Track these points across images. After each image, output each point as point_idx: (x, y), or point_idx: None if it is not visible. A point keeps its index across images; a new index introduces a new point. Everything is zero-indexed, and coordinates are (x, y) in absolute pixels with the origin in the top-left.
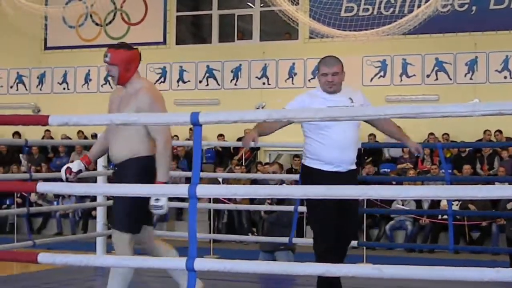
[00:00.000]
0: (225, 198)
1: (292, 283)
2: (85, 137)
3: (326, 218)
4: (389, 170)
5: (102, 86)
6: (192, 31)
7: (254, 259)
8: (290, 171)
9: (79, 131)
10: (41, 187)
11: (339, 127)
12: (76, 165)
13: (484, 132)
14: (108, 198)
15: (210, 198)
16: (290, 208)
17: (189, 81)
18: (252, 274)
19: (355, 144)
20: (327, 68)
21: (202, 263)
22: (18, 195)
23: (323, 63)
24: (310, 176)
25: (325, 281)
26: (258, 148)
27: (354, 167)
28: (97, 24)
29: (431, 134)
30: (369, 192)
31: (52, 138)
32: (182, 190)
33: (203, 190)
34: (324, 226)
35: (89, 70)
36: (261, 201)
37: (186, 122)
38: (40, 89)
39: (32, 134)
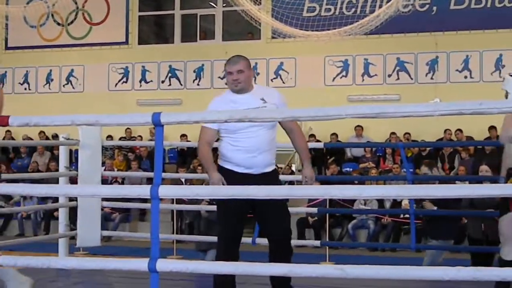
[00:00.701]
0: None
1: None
2: (47, 138)
3: (229, 221)
4: (351, 169)
5: (64, 86)
6: (155, 31)
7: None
8: None
9: (41, 132)
10: (3, 188)
11: (250, 131)
12: None
13: (445, 131)
14: (71, 199)
15: (173, 199)
16: None
17: (151, 81)
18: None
19: (269, 146)
20: (231, 65)
21: (164, 264)
22: None
23: (227, 62)
24: (223, 176)
25: (221, 282)
26: None
27: (269, 169)
28: (58, 24)
29: (393, 133)
30: (332, 192)
31: (13, 138)
32: (144, 191)
33: (165, 191)
34: (224, 228)
35: (50, 70)
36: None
37: (148, 122)
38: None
39: None
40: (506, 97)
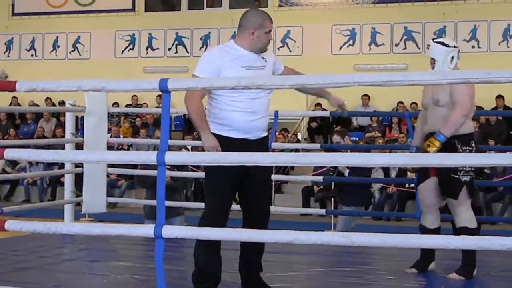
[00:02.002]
0: (193, 166)
1: None
2: (53, 104)
3: (224, 192)
4: (357, 138)
5: (70, 53)
6: None
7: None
8: None
9: (47, 98)
10: (9, 153)
11: (253, 91)
12: None
13: None
14: (76, 165)
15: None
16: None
17: (158, 48)
18: None
19: (267, 111)
20: (271, 24)
21: (170, 231)
22: None
23: (267, 19)
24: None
25: (204, 246)
26: None
27: (264, 134)
28: None
29: (401, 102)
30: (338, 160)
31: (19, 104)
32: (150, 157)
33: (171, 157)
34: (218, 200)
35: (57, 37)
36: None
37: (155, 88)
38: (8, 56)
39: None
40: (433, 65)
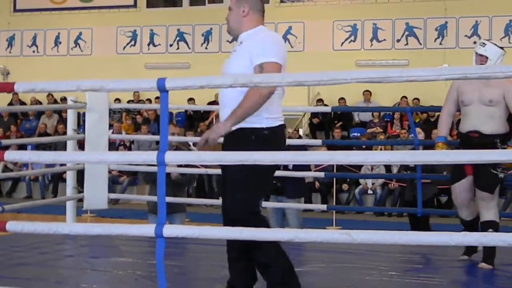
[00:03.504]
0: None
1: None
2: (55, 100)
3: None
4: (359, 134)
5: (72, 49)
6: None
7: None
8: None
9: (49, 94)
10: (9, 156)
11: None
12: None
13: None
14: None
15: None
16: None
17: (159, 44)
18: None
19: (234, 101)
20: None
21: (171, 230)
22: None
23: None
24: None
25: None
26: None
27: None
28: None
29: (404, 97)
30: (337, 157)
31: (20, 100)
32: (150, 157)
33: (171, 157)
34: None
35: (59, 33)
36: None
37: (153, 88)
38: (9, 52)
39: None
40: (483, 63)
